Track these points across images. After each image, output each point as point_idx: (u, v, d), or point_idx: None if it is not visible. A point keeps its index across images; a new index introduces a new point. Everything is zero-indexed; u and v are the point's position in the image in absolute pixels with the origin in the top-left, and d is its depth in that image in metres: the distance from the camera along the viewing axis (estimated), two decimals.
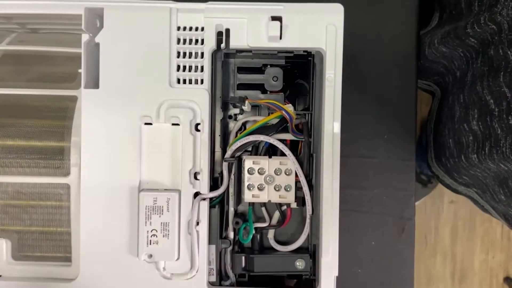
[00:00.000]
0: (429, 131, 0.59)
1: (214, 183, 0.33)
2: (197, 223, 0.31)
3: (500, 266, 1.07)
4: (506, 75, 0.37)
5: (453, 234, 1.08)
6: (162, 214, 0.31)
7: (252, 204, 0.35)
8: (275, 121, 0.34)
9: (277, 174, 0.33)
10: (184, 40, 0.31)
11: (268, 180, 0.33)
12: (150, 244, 0.31)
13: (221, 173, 0.33)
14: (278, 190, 0.33)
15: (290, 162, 0.33)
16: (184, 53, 0.31)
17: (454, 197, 1.06)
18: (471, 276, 1.07)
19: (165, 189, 0.31)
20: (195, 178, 0.32)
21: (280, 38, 0.31)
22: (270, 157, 0.34)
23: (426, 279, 1.09)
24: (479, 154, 0.44)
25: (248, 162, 0.33)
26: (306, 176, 0.33)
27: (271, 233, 0.35)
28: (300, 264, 0.33)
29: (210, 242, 0.32)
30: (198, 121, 0.31)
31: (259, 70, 0.35)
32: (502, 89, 0.38)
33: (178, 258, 0.31)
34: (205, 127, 0.31)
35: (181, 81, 0.31)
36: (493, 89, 0.39)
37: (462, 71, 0.49)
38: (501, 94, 0.38)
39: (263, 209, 0.35)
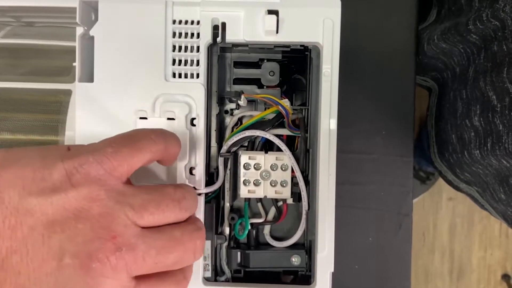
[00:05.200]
0: (430, 127, 0.59)
1: (210, 178, 0.33)
2: None
3: (498, 263, 1.07)
4: (510, 71, 0.37)
5: (451, 231, 1.08)
6: None
7: (248, 200, 0.35)
8: (272, 116, 0.34)
9: (273, 170, 0.33)
10: (180, 34, 0.31)
11: (264, 176, 0.33)
12: None
13: (217, 168, 0.33)
14: (274, 186, 0.33)
15: (286, 157, 0.33)
16: (180, 47, 0.31)
17: (453, 194, 1.06)
18: (469, 273, 1.07)
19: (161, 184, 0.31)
20: (191, 173, 0.31)
21: (277, 32, 0.31)
22: (266, 152, 0.33)
23: (424, 276, 1.09)
24: (481, 150, 0.43)
25: (244, 157, 0.33)
26: (302, 172, 0.33)
27: (267, 229, 0.35)
28: (296, 260, 0.33)
29: (205, 237, 0.32)
30: (193, 116, 0.31)
31: (256, 65, 0.34)
32: (505, 85, 0.38)
33: None
34: (200, 122, 0.31)
35: (177, 75, 0.31)
36: (496, 85, 0.39)
37: (462, 67, 0.49)
38: (503, 90, 0.38)
39: (259, 204, 0.35)
